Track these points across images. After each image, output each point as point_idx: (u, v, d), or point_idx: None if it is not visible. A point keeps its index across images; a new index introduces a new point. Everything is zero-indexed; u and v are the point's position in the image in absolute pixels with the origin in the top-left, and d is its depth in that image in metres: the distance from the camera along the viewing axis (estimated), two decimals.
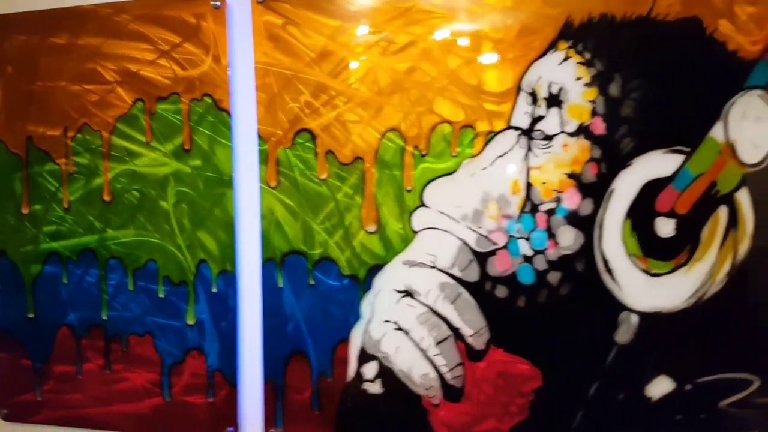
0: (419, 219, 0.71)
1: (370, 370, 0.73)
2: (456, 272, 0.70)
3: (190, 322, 0.80)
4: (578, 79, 0.66)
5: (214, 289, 0.79)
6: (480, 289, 0.69)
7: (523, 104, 0.68)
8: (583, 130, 0.66)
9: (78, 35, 0.82)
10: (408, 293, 0.72)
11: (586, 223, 0.66)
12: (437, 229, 0.71)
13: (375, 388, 0.73)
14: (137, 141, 0.81)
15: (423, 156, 0.71)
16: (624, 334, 0.66)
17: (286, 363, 0.76)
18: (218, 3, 0.76)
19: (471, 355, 0.70)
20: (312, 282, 0.75)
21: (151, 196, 0.80)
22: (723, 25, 0.63)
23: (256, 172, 0.76)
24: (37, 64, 0.83)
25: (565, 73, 0.66)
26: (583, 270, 0.66)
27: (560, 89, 0.66)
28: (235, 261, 0.78)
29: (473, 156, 0.69)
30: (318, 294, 0.75)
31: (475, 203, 0.69)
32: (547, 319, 0.68)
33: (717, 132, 0.63)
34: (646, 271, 0.65)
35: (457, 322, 0.70)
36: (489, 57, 0.68)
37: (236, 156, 0.78)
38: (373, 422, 0.74)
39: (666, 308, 0.65)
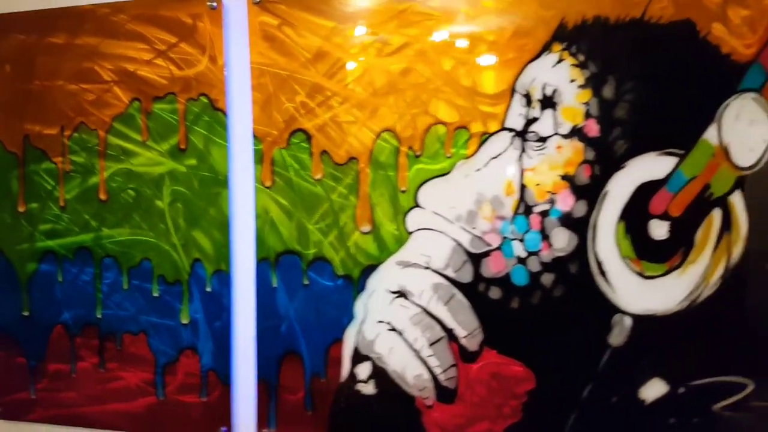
0: (413, 220, 0.71)
1: (364, 370, 0.73)
2: (450, 273, 0.70)
3: (185, 321, 0.80)
4: (572, 81, 0.66)
5: (209, 289, 0.79)
6: (474, 291, 0.69)
7: (518, 106, 0.68)
8: (576, 132, 0.66)
9: (76, 35, 0.82)
10: (402, 294, 0.72)
11: (579, 225, 0.66)
12: (431, 229, 0.71)
13: (368, 388, 0.73)
14: (133, 140, 0.81)
15: (417, 157, 0.71)
16: (617, 336, 0.66)
17: (280, 363, 0.76)
18: (214, 3, 0.77)
19: (464, 356, 0.70)
20: (306, 282, 0.75)
21: (146, 195, 0.80)
22: (716, 28, 0.63)
23: (251, 171, 0.76)
24: (34, 63, 0.84)
25: (559, 75, 0.66)
26: (576, 272, 0.66)
27: (554, 91, 0.66)
28: (230, 260, 0.78)
29: (467, 157, 0.69)
30: (312, 294, 0.75)
31: (469, 204, 0.69)
32: (541, 321, 0.68)
33: (711, 135, 0.63)
34: (640, 274, 0.65)
35: (450, 323, 0.70)
36: (483, 59, 0.69)
37: (231, 156, 0.78)
38: (367, 423, 0.74)
39: (659, 311, 0.65)
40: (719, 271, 0.64)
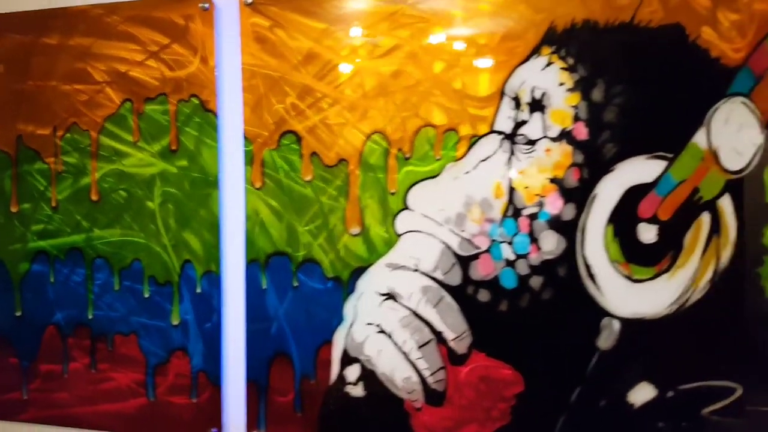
0: (403, 222, 0.71)
1: (353, 372, 0.73)
2: (438, 276, 0.70)
3: (175, 322, 0.80)
4: (561, 84, 0.66)
5: (199, 290, 0.79)
6: (462, 293, 0.69)
7: (507, 109, 0.68)
8: (565, 135, 0.66)
9: (69, 35, 0.83)
10: (391, 296, 0.72)
11: (568, 228, 0.66)
12: (420, 232, 0.71)
13: (357, 391, 0.73)
14: (125, 141, 0.81)
15: (407, 159, 0.71)
16: (606, 339, 0.66)
17: (270, 364, 0.77)
18: (206, 5, 0.77)
19: (453, 359, 0.70)
20: (296, 284, 0.75)
21: (137, 196, 0.81)
22: (706, 32, 0.63)
23: (242, 173, 0.76)
24: (28, 63, 0.84)
25: (548, 78, 0.66)
26: (565, 275, 0.66)
27: (543, 94, 0.66)
28: (220, 262, 0.78)
29: (457, 160, 0.69)
30: (301, 296, 0.75)
31: (458, 207, 0.69)
32: (530, 324, 0.68)
33: (700, 138, 0.63)
34: (629, 277, 0.65)
35: (439, 325, 0.70)
36: (473, 62, 0.69)
37: (222, 157, 0.78)
38: (356, 425, 0.74)
39: (648, 314, 0.65)
40: (708, 275, 0.64)
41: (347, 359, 0.74)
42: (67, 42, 0.82)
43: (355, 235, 0.73)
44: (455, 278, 0.69)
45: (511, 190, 0.68)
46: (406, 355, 0.71)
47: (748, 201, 0.63)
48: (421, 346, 0.71)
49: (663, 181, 0.64)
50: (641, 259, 0.65)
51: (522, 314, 0.68)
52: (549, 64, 0.66)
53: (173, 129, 0.79)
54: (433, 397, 0.71)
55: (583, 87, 0.65)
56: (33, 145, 0.85)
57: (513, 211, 0.68)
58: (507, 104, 0.68)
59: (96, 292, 0.83)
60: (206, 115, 0.78)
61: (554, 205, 0.67)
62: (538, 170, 0.67)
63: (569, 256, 0.66)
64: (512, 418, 0.69)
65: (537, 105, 0.67)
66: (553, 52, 0.66)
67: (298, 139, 0.74)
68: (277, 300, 0.76)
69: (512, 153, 0.68)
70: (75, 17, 0.82)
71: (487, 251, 0.68)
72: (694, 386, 0.64)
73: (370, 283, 0.72)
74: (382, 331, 0.72)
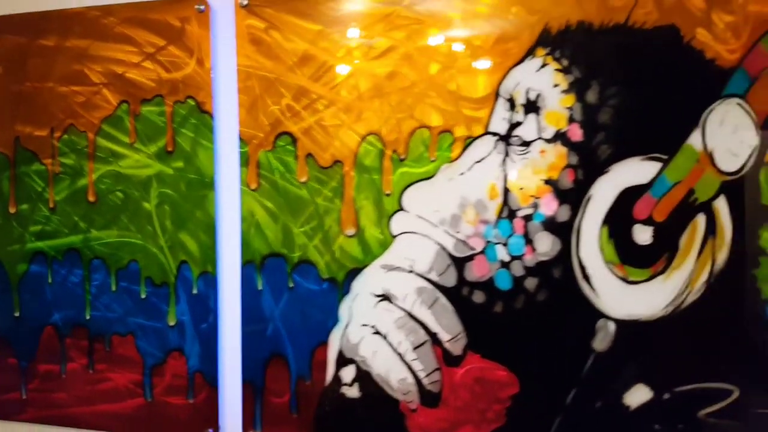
0: (398, 223, 0.71)
1: (348, 373, 0.73)
2: (433, 277, 0.70)
3: (171, 323, 0.80)
4: (556, 85, 0.66)
5: (195, 291, 0.79)
6: (457, 294, 0.69)
7: (501, 110, 0.68)
8: (560, 137, 0.66)
9: (66, 37, 0.83)
10: (386, 297, 0.72)
11: (563, 230, 0.66)
12: (415, 233, 0.71)
13: (353, 392, 0.73)
14: (121, 142, 0.82)
15: (402, 160, 0.71)
16: (601, 341, 0.66)
17: (266, 365, 0.77)
18: (202, 7, 0.77)
19: (448, 360, 0.70)
20: (291, 285, 0.75)
21: (134, 197, 0.81)
22: (700, 33, 0.63)
23: (237, 174, 0.77)
24: (26, 64, 0.85)
25: (542, 79, 0.66)
26: (560, 276, 0.66)
27: (538, 96, 0.66)
28: (216, 263, 0.79)
29: (451, 161, 0.69)
30: (297, 297, 0.75)
31: (453, 208, 0.69)
32: (525, 326, 0.68)
33: (695, 140, 0.63)
34: (624, 279, 0.65)
35: (434, 327, 0.70)
36: (468, 63, 0.69)
37: (218, 158, 0.78)
38: (351, 426, 0.74)
39: (644, 316, 0.65)
40: (704, 276, 0.63)
41: (343, 360, 0.74)
42: (64, 44, 0.83)
43: (351, 237, 0.73)
44: (450, 279, 0.69)
45: (506, 191, 0.68)
46: (401, 356, 0.71)
47: (744, 202, 0.63)
48: (416, 348, 0.71)
49: (658, 183, 0.64)
50: (636, 261, 0.65)
51: (517, 316, 0.68)
52: (544, 65, 0.66)
53: (169, 130, 0.79)
54: (429, 398, 0.71)
55: (577, 88, 0.65)
56: (30, 147, 0.85)
57: (508, 212, 0.68)
58: (502, 106, 0.68)
59: (93, 292, 0.83)
60: (202, 116, 0.78)
61: (549, 206, 0.66)
62: (532, 171, 0.67)
63: (564, 257, 0.66)
64: (507, 419, 0.69)
65: (532, 106, 0.66)
66: (547, 54, 0.66)
67: (294, 140, 0.75)
68: (273, 301, 0.76)
69: (507, 154, 0.68)
70: (71, 19, 0.83)
71: (481, 252, 0.68)
72: (690, 388, 0.64)
73: (365, 285, 0.72)
74: (377, 333, 0.72)
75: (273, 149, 0.75)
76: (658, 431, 0.65)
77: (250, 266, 0.77)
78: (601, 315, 0.66)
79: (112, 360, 0.83)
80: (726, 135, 0.63)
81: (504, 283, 0.68)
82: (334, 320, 0.74)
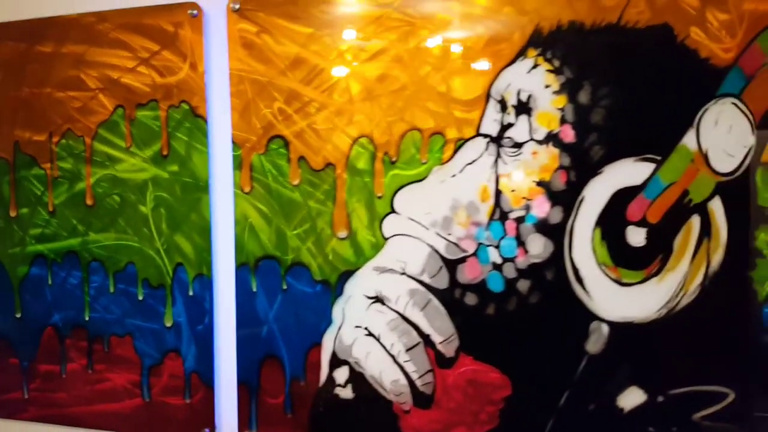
0: (389, 225, 0.71)
1: (342, 375, 0.74)
2: (426, 279, 0.70)
3: (168, 324, 0.81)
4: (547, 86, 0.65)
5: (191, 293, 0.80)
6: (450, 296, 0.69)
7: (493, 112, 0.67)
8: (552, 138, 0.65)
9: (63, 43, 0.84)
10: (378, 299, 0.72)
11: (555, 232, 0.66)
12: (407, 235, 0.71)
13: (346, 393, 0.74)
14: (118, 146, 0.82)
15: (393, 163, 0.71)
16: (595, 343, 0.65)
17: (260, 366, 0.77)
18: (195, 11, 0.78)
19: (441, 362, 0.70)
20: (285, 287, 0.76)
21: (130, 200, 0.82)
22: (694, 32, 0.62)
23: (231, 177, 0.77)
24: (24, 70, 0.86)
25: (534, 80, 0.66)
26: (552, 278, 0.66)
27: (529, 97, 0.66)
28: (211, 265, 0.79)
29: (443, 163, 0.69)
30: (291, 299, 0.75)
31: (444, 210, 0.69)
32: (517, 328, 0.68)
33: (689, 140, 0.62)
34: (617, 281, 0.65)
35: (426, 328, 0.70)
36: (459, 64, 0.68)
37: (212, 162, 0.79)
38: (345, 427, 0.75)
39: (638, 318, 0.64)
40: (698, 278, 0.63)
41: (336, 361, 0.74)
42: (61, 50, 0.84)
43: (343, 239, 0.73)
44: (442, 281, 0.69)
45: (498, 193, 0.67)
46: (394, 357, 0.71)
47: (740, 203, 0.62)
48: (408, 349, 0.71)
49: (652, 184, 0.63)
50: (630, 263, 0.64)
51: (509, 318, 0.67)
52: (535, 66, 0.66)
53: (164, 135, 0.80)
54: (421, 399, 0.71)
55: (569, 89, 0.65)
56: (30, 151, 0.87)
57: (500, 214, 0.67)
58: (493, 107, 0.67)
59: (92, 294, 0.84)
60: (196, 120, 0.79)
61: (541, 208, 0.66)
62: (524, 173, 0.66)
63: (557, 259, 0.66)
64: (500, 421, 0.69)
65: (523, 107, 0.66)
66: (539, 54, 0.66)
67: (286, 143, 0.75)
68: (267, 303, 0.77)
69: (498, 156, 0.67)
70: (68, 25, 0.84)
71: (473, 255, 0.68)
72: (684, 391, 0.63)
73: (358, 287, 0.73)
74: (370, 334, 0.72)
75: (266, 152, 0.76)
76: None
77: (244, 268, 0.77)
78: (595, 317, 0.65)
79: (111, 360, 0.84)
80: (721, 135, 0.62)
81: (496, 285, 0.68)
82: (327, 322, 0.74)
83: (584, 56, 0.64)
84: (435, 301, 0.70)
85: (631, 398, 0.65)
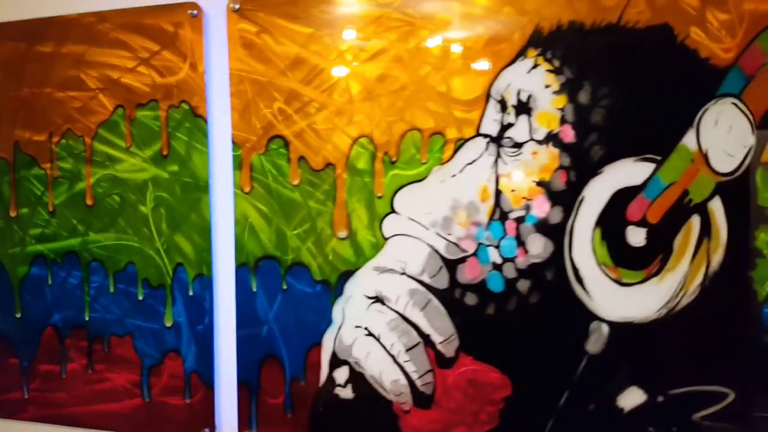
0: (389, 225, 0.71)
1: (342, 375, 0.74)
2: (426, 279, 0.70)
3: (168, 324, 0.81)
4: (547, 86, 0.65)
5: (191, 293, 0.80)
6: (450, 296, 0.69)
7: (492, 112, 0.67)
8: (552, 138, 0.65)
9: (62, 43, 0.84)
10: (378, 299, 0.72)
11: (555, 232, 0.66)
12: (407, 235, 0.71)
13: (346, 393, 0.74)
14: (118, 147, 0.82)
15: (393, 163, 0.71)
16: (595, 343, 0.66)
17: (260, 366, 0.77)
18: (195, 11, 0.78)
19: (441, 362, 0.70)
20: (285, 287, 0.76)
21: (130, 200, 0.82)
22: (694, 32, 0.62)
23: (231, 177, 0.77)
24: (24, 70, 0.86)
25: (534, 80, 0.66)
26: (552, 278, 0.66)
27: (529, 97, 0.66)
28: (211, 265, 0.79)
29: (443, 163, 0.69)
30: (291, 299, 0.75)
31: (444, 210, 0.69)
32: (517, 328, 0.68)
33: (689, 140, 0.62)
34: (617, 281, 0.65)
35: (426, 328, 0.70)
36: (459, 64, 0.68)
37: (212, 162, 0.79)
38: (345, 427, 0.75)
39: (638, 318, 0.64)
40: (698, 278, 0.63)
41: (336, 361, 0.74)
42: (61, 50, 0.84)
43: (343, 239, 0.73)
44: (442, 281, 0.69)
45: (498, 193, 0.67)
46: (394, 357, 0.71)
47: (740, 203, 0.62)
48: (408, 349, 0.71)
49: (651, 184, 0.63)
50: (630, 263, 0.64)
51: (509, 318, 0.67)
52: (535, 66, 0.66)
53: (164, 135, 0.80)
54: (421, 399, 0.71)
55: (569, 89, 0.65)
56: (30, 151, 0.87)
57: (500, 214, 0.67)
58: (493, 107, 0.67)
59: (92, 294, 0.84)
60: (196, 120, 0.79)
61: (541, 208, 0.66)
62: (524, 173, 0.66)
63: (557, 259, 0.66)
64: (500, 421, 0.69)
65: (523, 107, 0.66)
66: (539, 54, 0.66)
67: (286, 143, 0.75)
68: (267, 303, 0.77)
69: (498, 156, 0.67)
70: (68, 25, 0.84)
71: (473, 255, 0.68)
72: (684, 391, 0.63)
73: (358, 287, 0.73)
74: (370, 334, 0.72)
75: (266, 152, 0.76)
76: None
77: (244, 268, 0.77)
78: (595, 317, 0.65)
79: (111, 360, 0.84)
80: (721, 135, 0.62)
81: (496, 285, 0.68)
82: (327, 322, 0.74)
83: (584, 56, 0.64)
84: (435, 301, 0.70)
85: (631, 398, 0.65)
